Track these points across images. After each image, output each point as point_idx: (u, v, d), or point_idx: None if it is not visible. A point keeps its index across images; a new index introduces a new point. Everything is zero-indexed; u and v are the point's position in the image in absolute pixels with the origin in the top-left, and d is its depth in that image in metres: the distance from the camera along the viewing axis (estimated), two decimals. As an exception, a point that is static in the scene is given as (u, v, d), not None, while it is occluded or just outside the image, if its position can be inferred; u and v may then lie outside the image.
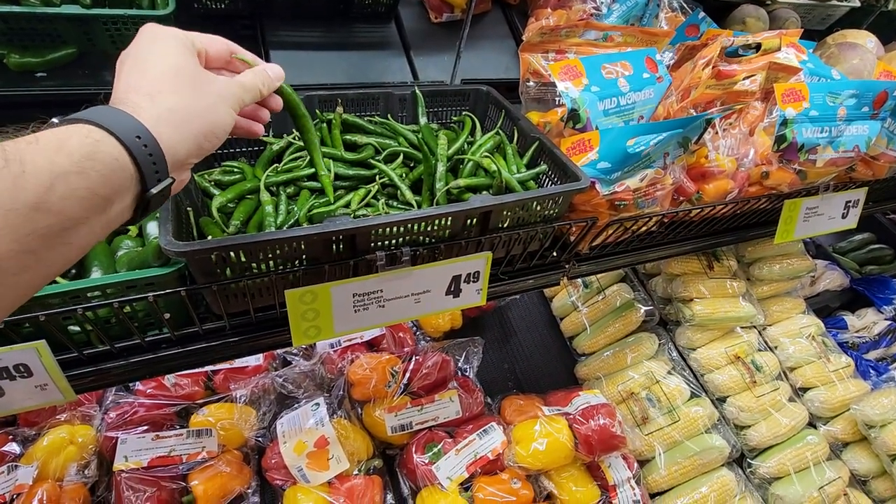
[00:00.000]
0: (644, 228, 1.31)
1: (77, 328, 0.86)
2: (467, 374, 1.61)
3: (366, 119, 1.25)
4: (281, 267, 0.88)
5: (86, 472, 1.19)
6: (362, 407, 1.46)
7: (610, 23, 1.78)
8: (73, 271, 0.92)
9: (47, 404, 0.81)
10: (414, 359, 1.53)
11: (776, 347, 1.79)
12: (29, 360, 0.74)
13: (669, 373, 1.64)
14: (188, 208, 0.92)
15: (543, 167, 1.11)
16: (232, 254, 0.81)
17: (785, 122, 1.28)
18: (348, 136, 1.18)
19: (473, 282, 1.08)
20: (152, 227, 1.03)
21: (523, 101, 1.46)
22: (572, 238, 1.23)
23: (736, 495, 1.48)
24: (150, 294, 0.79)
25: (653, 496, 1.52)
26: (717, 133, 1.42)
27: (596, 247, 1.31)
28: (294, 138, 1.17)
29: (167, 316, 0.88)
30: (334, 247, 0.91)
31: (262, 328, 0.98)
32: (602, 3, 1.84)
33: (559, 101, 1.41)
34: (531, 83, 1.43)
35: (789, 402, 1.69)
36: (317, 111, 1.18)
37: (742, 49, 1.41)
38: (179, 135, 0.55)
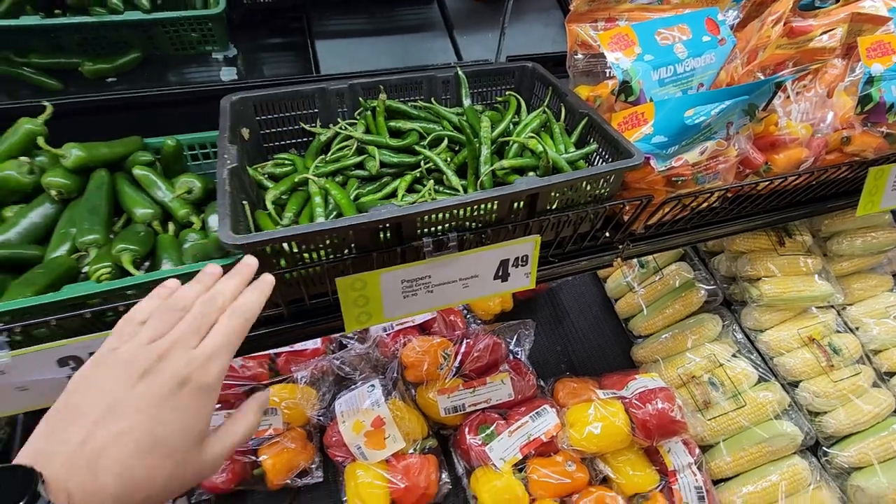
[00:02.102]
0: (705, 205, 1.23)
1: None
2: (519, 356, 1.60)
3: (409, 104, 1.24)
4: (331, 256, 0.90)
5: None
6: (416, 388, 1.50)
7: None
8: (147, 263, 0.99)
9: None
10: (465, 342, 1.54)
11: (857, 329, 1.64)
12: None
13: (734, 356, 1.56)
14: (244, 202, 0.97)
15: (593, 146, 1.06)
16: (285, 245, 0.84)
17: (871, 80, 1.15)
18: (392, 123, 1.19)
19: (522, 265, 1.07)
20: (213, 220, 1.09)
21: (571, 75, 1.39)
22: (626, 217, 1.18)
23: (810, 484, 1.40)
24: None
25: (716, 483, 1.46)
26: (788, 97, 1.30)
27: (651, 226, 1.25)
28: (341, 128, 1.19)
29: (230, 304, 0.93)
30: (382, 235, 0.92)
31: (317, 314, 1.02)
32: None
33: (610, 72, 1.35)
34: (579, 55, 1.37)
35: (873, 387, 1.55)
36: (360, 99, 1.19)
37: (819, 0, 1.27)
38: None
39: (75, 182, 1.06)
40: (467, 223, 0.98)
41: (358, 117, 1.22)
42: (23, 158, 1.04)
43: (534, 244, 1.03)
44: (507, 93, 1.26)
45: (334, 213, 1.01)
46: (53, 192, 1.04)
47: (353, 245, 0.91)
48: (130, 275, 0.90)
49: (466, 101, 1.24)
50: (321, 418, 1.43)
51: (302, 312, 1.01)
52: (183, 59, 1.53)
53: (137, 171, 1.10)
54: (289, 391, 1.43)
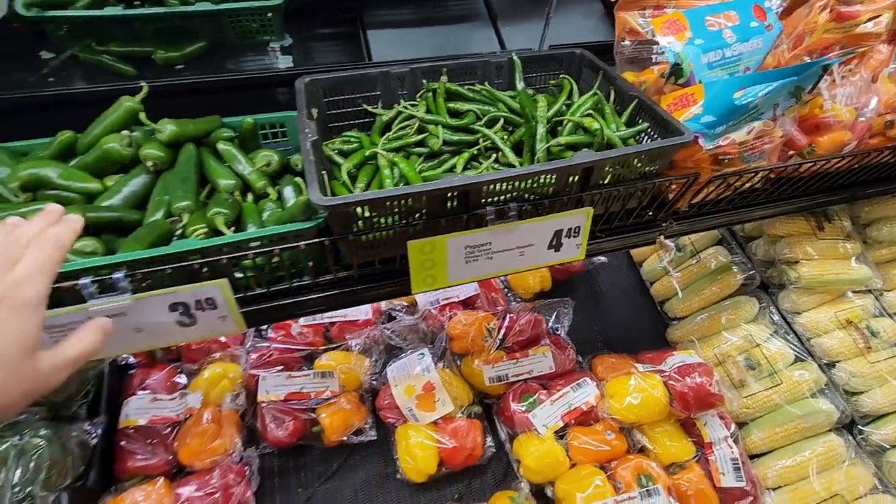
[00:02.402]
0: (748, 185, 1.28)
1: (240, 274, 1.03)
2: (558, 332, 1.67)
3: (466, 87, 1.32)
4: (404, 221, 0.99)
5: (237, 401, 1.42)
6: (461, 359, 1.58)
7: None
8: (233, 228, 1.10)
9: (225, 334, 1.00)
10: (508, 317, 1.62)
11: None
12: (215, 294, 0.92)
13: (771, 336, 1.60)
14: (323, 172, 1.06)
15: (644, 125, 1.13)
16: (363, 209, 0.93)
17: (916, 65, 1.18)
18: (450, 104, 1.27)
19: (574, 236, 1.14)
20: (288, 192, 1.19)
21: (617, 61, 1.45)
22: (671, 196, 1.24)
23: (844, 461, 1.43)
24: (302, 242, 0.94)
25: (751, 458, 1.51)
26: (834, 81, 1.33)
27: (695, 205, 1.31)
28: (404, 108, 1.28)
29: (310, 264, 1.03)
30: (449, 203, 1.01)
31: (384, 278, 1.11)
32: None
33: (656, 58, 1.40)
34: (626, 42, 1.42)
35: (910, 370, 1.57)
36: (423, 81, 1.28)
37: (866, -13, 1.31)
38: None
39: (168, 155, 1.16)
40: (526, 195, 1.05)
41: (418, 99, 1.31)
42: (124, 132, 1.15)
43: (586, 216, 1.10)
44: (560, 76, 1.33)
45: (401, 183, 1.09)
46: (149, 164, 1.15)
47: (423, 211, 1.00)
48: (223, 234, 1.00)
49: (520, 85, 1.32)
50: (373, 383, 1.53)
51: (370, 276, 1.10)
52: (243, 48, 1.63)
53: (221, 146, 1.20)
54: (344, 357, 1.53)
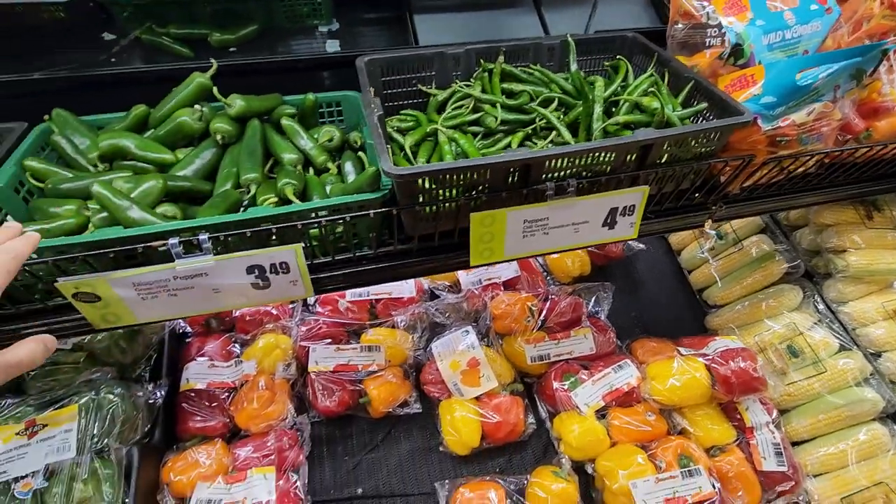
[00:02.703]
0: (801, 169, 1.28)
1: (304, 243, 1.08)
2: (598, 315, 1.69)
3: (519, 68, 1.35)
4: (466, 194, 1.02)
5: (289, 370, 1.48)
6: (502, 338, 1.62)
7: None
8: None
9: (294, 298, 1.05)
10: (550, 298, 1.64)
11: (945, 307, 1.63)
12: (289, 258, 0.97)
13: (815, 324, 1.59)
14: (387, 145, 1.10)
15: (703, 104, 1.13)
16: (430, 180, 0.96)
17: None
18: (504, 85, 1.29)
19: (628, 215, 1.16)
20: (348, 167, 1.23)
21: (669, 45, 1.46)
22: (723, 178, 1.25)
23: (889, 450, 1.43)
24: (371, 211, 0.98)
25: (793, 444, 1.51)
26: (892, 67, 1.32)
27: (745, 188, 1.31)
28: (460, 87, 1.31)
29: (372, 235, 1.07)
30: (511, 177, 1.04)
31: (441, 251, 1.15)
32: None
33: (710, 42, 1.40)
34: (679, 25, 1.43)
35: (959, 363, 1.55)
36: (481, 61, 1.30)
37: (929, -29, 1.29)
38: None
39: (235, 129, 1.22)
40: (583, 172, 1.08)
41: (473, 80, 1.33)
42: (196, 107, 1.21)
43: (642, 195, 1.12)
44: (617, 58, 1.34)
45: (461, 158, 1.13)
46: (219, 137, 1.20)
47: (485, 184, 1.03)
48: (292, 204, 1.05)
49: (573, 66, 1.33)
50: (418, 358, 1.57)
51: (428, 248, 1.14)
52: (292, 31, 1.67)
53: (285, 122, 1.25)
54: (389, 333, 1.58)
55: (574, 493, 1.32)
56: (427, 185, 0.99)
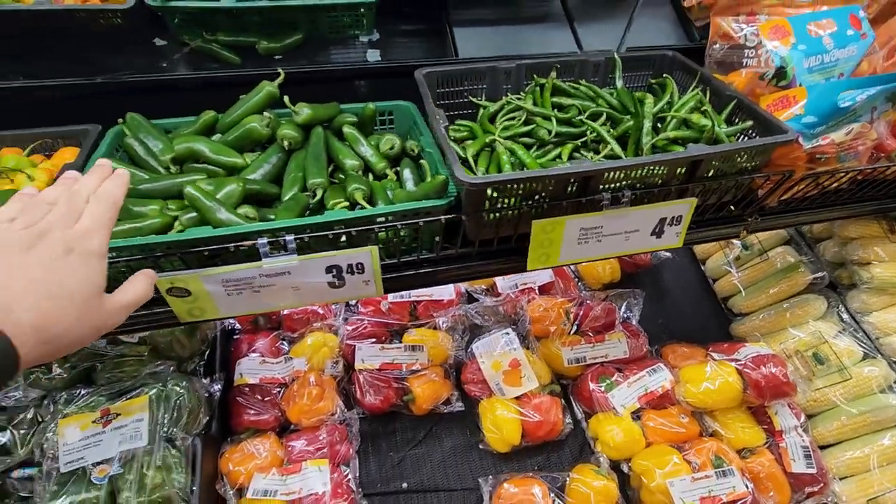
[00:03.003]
0: (835, 185, 1.35)
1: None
2: (630, 321, 1.75)
3: (567, 83, 1.42)
4: (528, 202, 1.09)
5: (336, 367, 1.54)
6: (539, 341, 1.68)
7: None
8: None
9: (364, 296, 1.11)
10: (585, 303, 1.70)
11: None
12: (364, 259, 1.03)
13: (839, 333, 1.66)
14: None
15: (748, 122, 1.20)
16: (498, 188, 1.03)
17: None
18: (554, 99, 1.36)
19: (675, 225, 1.22)
20: (407, 174, 1.29)
21: (706, 63, 1.53)
22: (761, 192, 1.31)
23: (913, 455, 1.49)
24: (442, 217, 1.05)
25: (819, 448, 1.56)
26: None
27: (783, 202, 1.38)
28: (509, 100, 1.37)
29: (437, 239, 1.13)
30: (570, 187, 1.10)
31: (499, 255, 1.21)
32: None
33: (746, 62, 1.48)
34: (717, 45, 1.50)
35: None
36: (534, 76, 1.37)
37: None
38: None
39: (301, 135, 1.28)
40: (636, 184, 1.14)
41: (523, 93, 1.40)
42: (265, 113, 1.27)
43: (689, 206, 1.18)
44: (663, 75, 1.41)
45: (517, 169, 1.19)
46: (285, 143, 1.26)
47: (546, 193, 1.09)
48: (362, 207, 1.11)
49: (619, 83, 1.40)
50: (458, 358, 1.63)
51: (486, 253, 1.20)
52: (333, 41, 1.73)
53: (347, 130, 1.31)
54: (431, 334, 1.64)
55: (614, 491, 1.38)
56: (496, 193, 1.05)
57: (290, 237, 0.97)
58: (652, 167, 1.11)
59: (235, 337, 1.63)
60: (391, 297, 1.69)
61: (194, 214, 1.04)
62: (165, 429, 1.19)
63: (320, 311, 1.64)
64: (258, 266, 0.97)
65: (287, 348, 1.59)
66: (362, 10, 1.68)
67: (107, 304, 0.69)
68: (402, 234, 1.12)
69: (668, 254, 2.04)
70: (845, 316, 1.70)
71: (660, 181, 1.16)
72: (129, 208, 1.14)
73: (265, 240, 0.96)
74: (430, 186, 1.13)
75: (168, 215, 1.07)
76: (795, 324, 1.74)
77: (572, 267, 1.93)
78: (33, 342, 0.60)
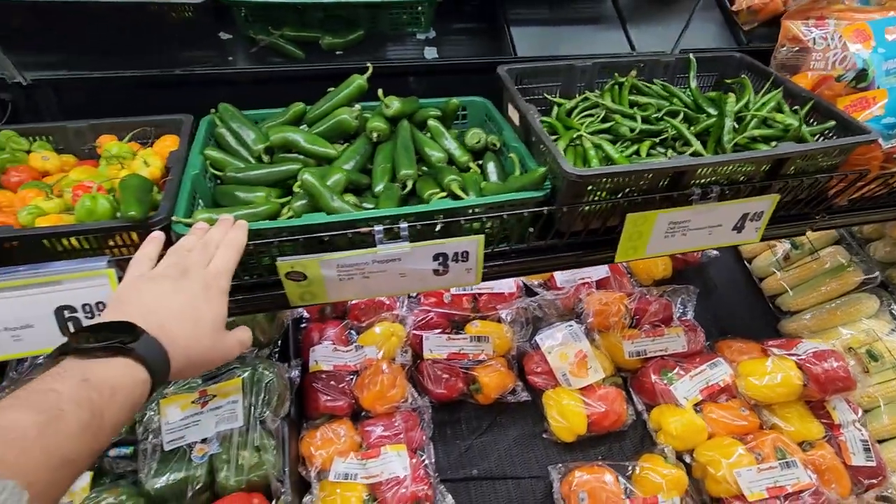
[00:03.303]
0: (904, 185, 1.39)
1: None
2: (686, 316, 1.79)
3: (640, 82, 1.45)
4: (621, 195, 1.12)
5: (405, 356, 1.57)
6: (598, 333, 1.71)
7: None
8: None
9: (464, 284, 1.14)
10: (642, 298, 1.74)
11: None
12: (470, 248, 1.06)
13: (893, 331, 1.70)
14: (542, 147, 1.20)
15: (831, 123, 1.24)
16: (599, 182, 1.06)
17: None
18: (631, 97, 1.40)
19: (756, 220, 1.26)
20: (491, 167, 1.32)
21: (772, 65, 1.57)
22: (832, 191, 1.35)
23: (968, 450, 1.53)
24: (545, 208, 1.08)
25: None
26: None
27: (851, 201, 1.42)
28: (586, 98, 1.41)
29: (531, 230, 1.17)
30: (662, 181, 1.14)
31: (586, 247, 1.24)
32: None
33: (813, 65, 1.52)
34: (784, 48, 1.55)
35: None
36: (615, 74, 1.41)
37: None
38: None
39: (389, 128, 1.31)
40: (721, 180, 1.18)
41: (600, 91, 1.44)
42: (356, 106, 1.30)
43: (772, 202, 1.22)
44: (741, 75, 1.44)
45: (604, 164, 1.22)
46: (374, 135, 1.29)
47: (640, 187, 1.13)
48: (458, 198, 1.14)
49: (693, 83, 1.44)
50: (522, 349, 1.67)
51: (574, 244, 1.24)
52: (392, 38, 1.75)
53: (432, 123, 1.35)
54: (495, 326, 1.67)
55: (685, 479, 1.41)
56: (593, 187, 1.09)
57: (403, 225, 1.00)
58: (740, 164, 1.15)
59: (303, 325, 1.66)
60: (454, 289, 1.73)
61: (305, 201, 1.08)
62: (257, 411, 1.22)
63: (386, 301, 1.67)
64: (374, 252, 1.00)
65: (355, 337, 1.62)
66: (421, 7, 1.71)
67: (228, 336, 0.77)
68: (500, 224, 1.14)
69: (715, 252, 2.07)
70: (897, 314, 1.75)
71: (743, 178, 1.20)
72: (231, 194, 1.18)
73: (381, 227, 0.99)
74: (528, 179, 1.16)
75: (275, 202, 1.10)
76: (846, 322, 1.78)
77: (624, 263, 1.96)
78: (179, 359, 0.68)
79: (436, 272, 1.09)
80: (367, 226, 1.00)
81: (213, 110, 1.33)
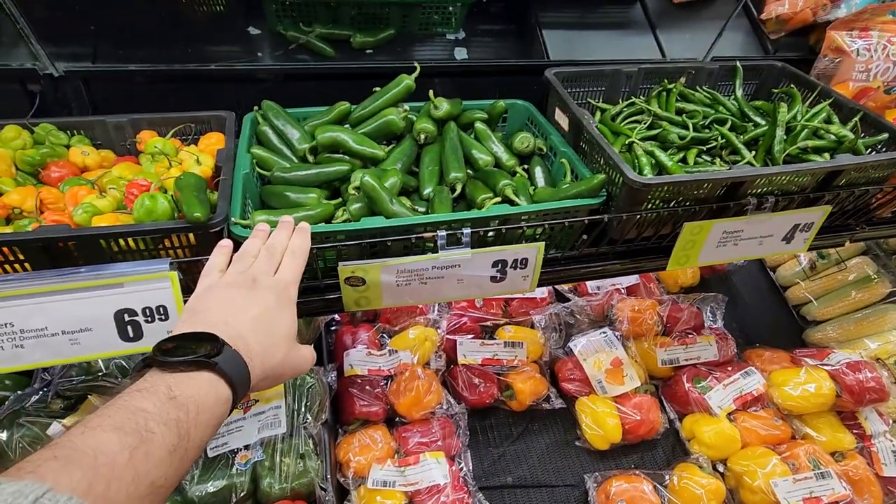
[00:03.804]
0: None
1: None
2: (716, 325, 1.79)
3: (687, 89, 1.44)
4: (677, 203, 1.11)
5: (440, 361, 1.55)
6: (632, 340, 1.70)
7: (861, 2, 1.80)
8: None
9: (519, 292, 1.12)
10: (673, 305, 1.73)
11: None
12: (530, 255, 1.04)
13: (920, 343, 1.71)
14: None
15: (884, 135, 1.24)
16: (660, 190, 1.05)
17: None
18: (677, 104, 1.39)
19: (805, 231, 1.26)
20: (538, 172, 1.30)
21: (814, 75, 1.57)
22: (875, 203, 1.35)
23: None
24: (605, 216, 1.07)
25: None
26: None
27: (895, 212, 1.42)
28: (632, 103, 1.40)
29: (584, 237, 1.15)
30: (718, 191, 1.13)
31: (637, 255, 1.23)
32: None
33: (855, 76, 1.52)
34: (826, 59, 1.55)
35: None
36: (664, 81, 1.40)
37: None
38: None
39: (436, 129, 1.29)
40: (775, 190, 1.17)
41: (649, 97, 1.43)
42: (404, 106, 1.28)
43: (823, 213, 1.22)
44: (786, 86, 1.44)
45: (656, 172, 1.21)
46: (422, 136, 1.27)
47: (698, 196, 1.11)
48: (514, 203, 1.13)
49: (739, 91, 1.43)
50: (555, 355, 1.65)
51: (623, 252, 1.22)
52: (422, 37, 1.72)
53: (479, 126, 1.33)
54: (529, 332, 1.65)
55: (723, 489, 1.41)
56: (656, 194, 1.07)
57: (466, 230, 0.98)
58: (797, 175, 1.14)
59: (333, 328, 1.63)
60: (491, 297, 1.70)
61: (360, 204, 1.05)
62: (301, 416, 1.19)
63: (419, 305, 1.65)
64: (435, 258, 0.98)
65: (387, 341, 1.59)
66: (452, 8, 1.68)
67: (300, 350, 0.74)
68: (558, 230, 1.12)
69: (741, 261, 2.07)
70: (924, 326, 1.76)
71: (796, 189, 1.19)
72: (281, 194, 1.15)
73: (444, 232, 0.97)
74: (585, 185, 1.14)
75: (330, 204, 1.07)
76: (872, 333, 1.79)
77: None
78: (258, 370, 0.65)
79: (493, 279, 1.07)
80: (426, 230, 0.97)
81: (255, 107, 1.30)
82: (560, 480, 1.51)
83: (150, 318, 0.85)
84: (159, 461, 0.51)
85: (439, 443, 1.38)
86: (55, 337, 0.82)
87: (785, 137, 1.26)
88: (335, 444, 1.36)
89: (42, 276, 0.80)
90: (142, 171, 1.11)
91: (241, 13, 1.58)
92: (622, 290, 1.81)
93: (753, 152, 1.27)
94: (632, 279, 1.85)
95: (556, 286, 1.84)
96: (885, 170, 1.21)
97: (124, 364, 1.26)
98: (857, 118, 1.29)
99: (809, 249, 1.46)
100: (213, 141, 1.18)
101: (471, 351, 1.57)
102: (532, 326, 1.68)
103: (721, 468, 1.53)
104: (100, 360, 1.25)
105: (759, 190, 1.16)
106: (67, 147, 1.16)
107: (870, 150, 1.27)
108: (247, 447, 1.14)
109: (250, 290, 0.72)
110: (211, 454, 1.12)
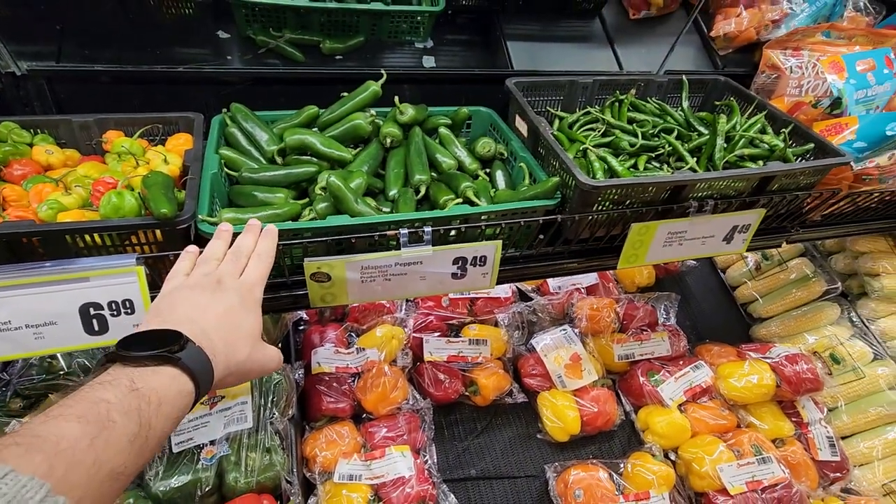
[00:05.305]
0: (866, 203, 1.53)
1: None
2: (668, 322, 1.89)
3: (637, 100, 1.54)
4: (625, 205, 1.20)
5: (406, 358, 1.59)
6: (590, 337, 1.78)
7: (799, 22, 1.95)
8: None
9: (479, 288, 1.18)
10: (629, 304, 1.83)
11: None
12: (488, 252, 1.10)
13: (852, 337, 1.85)
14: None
15: (811, 145, 1.35)
16: (609, 192, 1.13)
17: None
18: (628, 114, 1.48)
19: (743, 232, 1.36)
20: (499, 175, 1.37)
21: (753, 89, 1.70)
22: (806, 207, 1.48)
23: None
24: (559, 216, 1.14)
25: (836, 439, 1.74)
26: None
27: (825, 216, 1.55)
28: (587, 112, 1.49)
29: (541, 237, 1.22)
30: (663, 194, 1.22)
31: (590, 254, 1.31)
32: (794, 2, 2.00)
33: (789, 91, 1.65)
34: (764, 75, 1.67)
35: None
36: (616, 92, 1.49)
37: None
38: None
39: (402, 134, 1.34)
40: (713, 194, 1.27)
41: (601, 107, 1.52)
42: (371, 111, 1.33)
43: (758, 216, 1.33)
44: (731, 98, 1.55)
45: (607, 176, 1.30)
46: (388, 140, 1.32)
47: (643, 198, 1.20)
48: (474, 204, 1.19)
49: (685, 103, 1.54)
50: (517, 352, 1.72)
51: (577, 252, 1.30)
52: (391, 45, 1.76)
53: (443, 131, 1.39)
54: (492, 330, 1.72)
55: (673, 475, 1.50)
56: (602, 197, 1.15)
57: (427, 228, 1.03)
58: (734, 180, 1.25)
59: (301, 328, 1.65)
60: (451, 293, 1.76)
61: (327, 204, 1.09)
62: (267, 410, 1.21)
63: (386, 304, 1.69)
64: (398, 255, 1.03)
65: (354, 339, 1.63)
66: (420, 17, 1.74)
67: (264, 347, 0.76)
68: (515, 230, 1.19)
69: (694, 262, 2.20)
70: (856, 320, 1.91)
71: (734, 193, 1.30)
72: (248, 194, 1.17)
73: (406, 230, 1.02)
74: (541, 188, 1.21)
75: (296, 204, 1.11)
76: (811, 328, 1.93)
77: (611, 271, 2.05)
78: (222, 367, 0.67)
79: (454, 276, 1.13)
80: (390, 229, 1.02)
81: (224, 110, 1.32)
82: (522, 472, 1.57)
83: (115, 312, 0.87)
84: (120, 449, 0.52)
85: (405, 437, 1.43)
86: (19, 331, 0.83)
87: (724, 146, 1.37)
88: (302, 440, 1.38)
89: (6, 270, 0.81)
90: (108, 169, 1.13)
91: (211, 17, 1.59)
92: (582, 290, 1.90)
93: (696, 159, 1.38)
94: (591, 279, 1.94)
95: (520, 286, 1.91)
96: (811, 176, 1.33)
97: (86, 363, 1.25)
98: (788, 129, 1.41)
99: (749, 250, 1.58)
100: (181, 142, 1.20)
101: (437, 348, 1.62)
102: (496, 325, 1.75)
103: (672, 456, 1.62)
104: (61, 360, 1.25)
105: (701, 193, 1.26)
106: (30, 146, 1.16)
107: (799, 158, 1.39)
108: (212, 442, 1.15)
109: (214, 291, 0.74)
110: (176, 449, 1.13)
